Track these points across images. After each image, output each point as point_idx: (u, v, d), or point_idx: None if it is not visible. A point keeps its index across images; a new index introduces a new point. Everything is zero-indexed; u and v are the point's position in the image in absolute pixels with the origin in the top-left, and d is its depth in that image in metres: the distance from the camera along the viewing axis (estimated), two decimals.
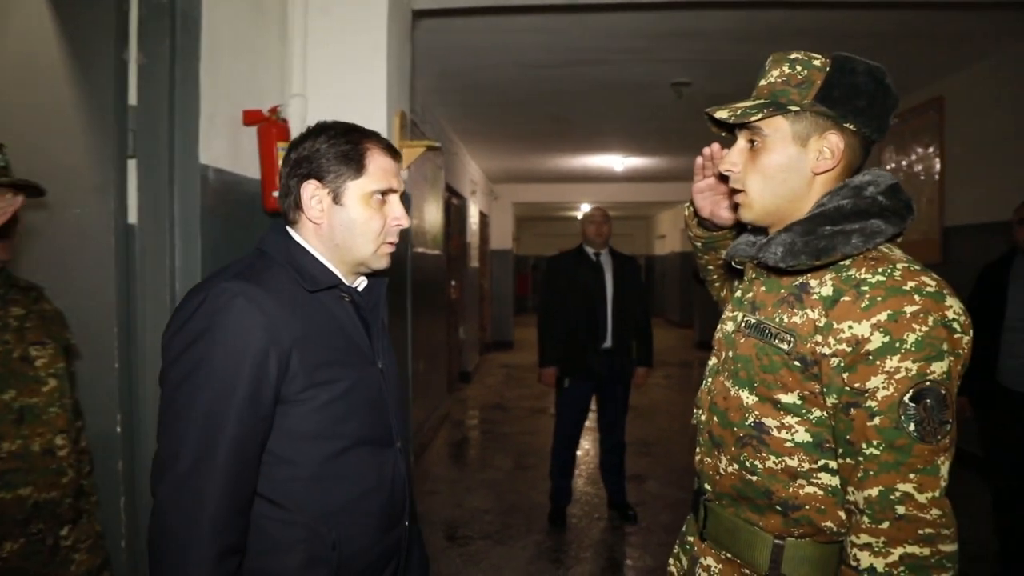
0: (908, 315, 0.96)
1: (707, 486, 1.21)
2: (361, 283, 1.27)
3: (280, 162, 2.04)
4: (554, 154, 8.55)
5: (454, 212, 7.78)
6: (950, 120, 5.05)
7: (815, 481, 1.06)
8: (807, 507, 1.07)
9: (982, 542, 3.27)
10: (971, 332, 1.00)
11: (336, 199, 1.18)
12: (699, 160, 1.34)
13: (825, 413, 1.04)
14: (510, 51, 4.45)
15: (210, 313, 1.05)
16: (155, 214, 1.80)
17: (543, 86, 5.24)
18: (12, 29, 1.86)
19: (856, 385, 0.99)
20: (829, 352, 1.01)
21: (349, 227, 1.18)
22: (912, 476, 0.95)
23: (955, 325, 0.97)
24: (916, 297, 0.97)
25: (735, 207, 1.20)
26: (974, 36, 4.21)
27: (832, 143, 1.09)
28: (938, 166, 5.18)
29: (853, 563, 0.98)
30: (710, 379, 1.24)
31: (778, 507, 1.09)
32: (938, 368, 0.96)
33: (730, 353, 1.18)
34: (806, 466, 1.06)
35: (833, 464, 1.05)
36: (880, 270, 1.00)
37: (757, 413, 1.10)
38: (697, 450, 1.26)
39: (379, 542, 1.19)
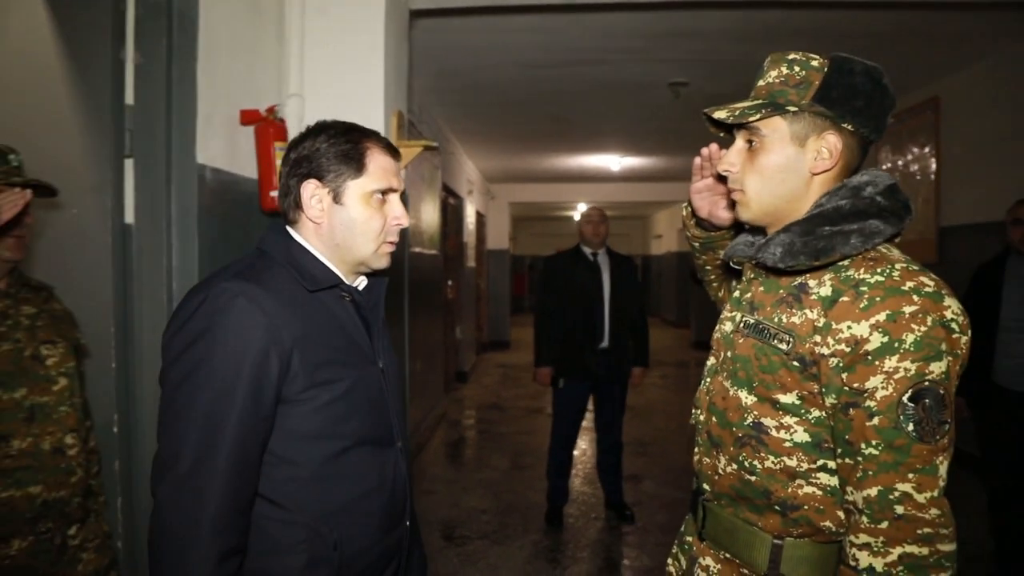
0: (907, 315, 0.96)
1: (706, 486, 1.22)
2: (361, 282, 1.27)
3: (277, 162, 2.05)
4: (551, 154, 8.55)
5: (451, 212, 7.77)
6: (946, 120, 5.07)
7: (814, 481, 1.06)
8: (806, 507, 1.07)
9: (978, 542, 3.28)
10: (969, 332, 1.00)
11: (336, 198, 1.17)
12: (697, 160, 1.34)
13: (824, 413, 1.05)
14: (507, 51, 4.44)
15: (210, 313, 1.05)
16: (152, 214, 1.80)
17: (540, 86, 5.24)
18: (9, 29, 1.86)
19: (855, 385, 0.99)
20: (828, 352, 1.01)
21: (349, 226, 1.18)
22: (911, 476, 0.96)
23: (953, 325, 0.98)
24: (915, 297, 0.97)
25: (733, 207, 1.20)
26: (971, 36, 4.22)
27: (830, 143, 1.09)
28: (934, 166, 5.19)
29: (852, 563, 0.98)
30: (709, 379, 1.24)
31: (777, 507, 1.09)
32: (937, 368, 0.96)
33: (729, 353, 1.18)
34: (805, 466, 1.07)
35: (832, 464, 1.05)
36: (879, 270, 1.01)
37: (756, 413, 1.10)
38: (696, 450, 1.26)
39: (380, 542, 1.19)
